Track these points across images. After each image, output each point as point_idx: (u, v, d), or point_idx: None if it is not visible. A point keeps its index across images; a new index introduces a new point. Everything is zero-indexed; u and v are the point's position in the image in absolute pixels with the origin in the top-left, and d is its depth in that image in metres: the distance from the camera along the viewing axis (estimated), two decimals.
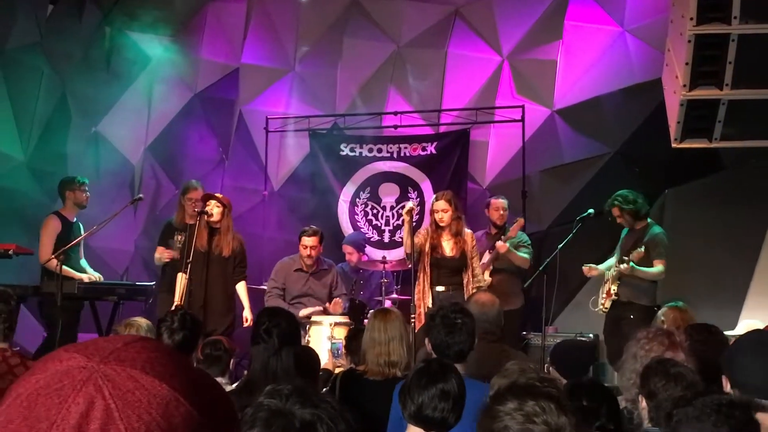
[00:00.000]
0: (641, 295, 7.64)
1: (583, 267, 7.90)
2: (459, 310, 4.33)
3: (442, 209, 7.39)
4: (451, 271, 7.44)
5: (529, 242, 8.50)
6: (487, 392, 4.01)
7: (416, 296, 7.42)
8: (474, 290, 7.21)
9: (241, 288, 7.74)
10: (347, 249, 9.07)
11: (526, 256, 8.27)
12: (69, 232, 7.81)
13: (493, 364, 4.58)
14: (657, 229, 7.72)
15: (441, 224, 7.38)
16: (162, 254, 8.00)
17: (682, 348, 3.62)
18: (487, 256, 8.25)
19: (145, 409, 0.81)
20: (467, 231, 7.58)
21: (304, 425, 1.60)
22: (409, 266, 7.48)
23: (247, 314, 7.66)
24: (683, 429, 2.26)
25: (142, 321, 4.87)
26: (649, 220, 7.81)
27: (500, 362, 4.68)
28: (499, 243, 8.13)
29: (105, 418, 0.79)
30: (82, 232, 7.96)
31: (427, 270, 7.40)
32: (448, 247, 7.45)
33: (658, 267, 7.52)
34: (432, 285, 7.37)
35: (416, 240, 7.39)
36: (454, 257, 7.41)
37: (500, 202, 8.60)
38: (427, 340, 4.31)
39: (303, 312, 7.74)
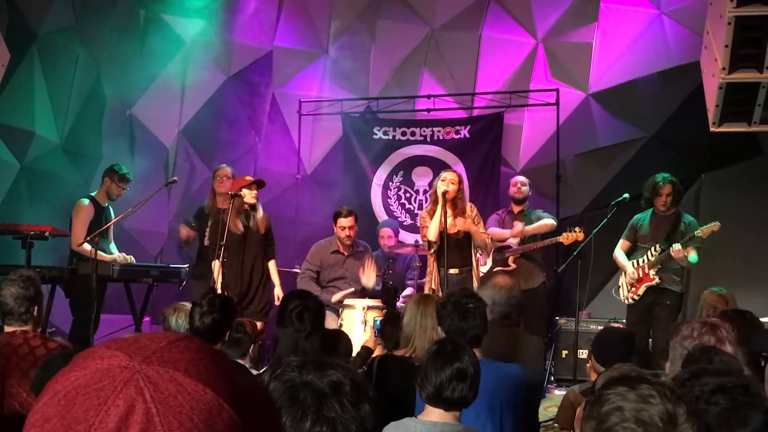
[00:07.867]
0: (677, 282, 7.58)
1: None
2: (469, 295, 4.32)
3: (450, 179, 7.16)
4: (459, 251, 7.28)
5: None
6: (503, 371, 3.99)
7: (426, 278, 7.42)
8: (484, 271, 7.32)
9: (272, 266, 7.78)
10: (386, 232, 8.98)
11: (549, 220, 8.53)
12: (101, 217, 7.83)
13: (505, 348, 4.57)
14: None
15: (446, 195, 7.05)
16: (181, 231, 8.17)
17: (729, 341, 3.54)
18: (511, 240, 8.50)
19: (187, 415, 0.78)
20: (468, 203, 7.50)
21: (332, 386, 1.58)
22: (431, 252, 7.37)
23: (278, 292, 7.67)
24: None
25: (189, 306, 4.86)
26: None
27: (512, 346, 4.68)
28: (517, 225, 8.49)
29: (145, 423, 0.76)
30: (113, 216, 7.96)
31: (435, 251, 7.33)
32: (449, 224, 7.26)
33: (696, 255, 7.45)
34: (441, 267, 7.14)
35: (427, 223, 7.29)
36: (457, 235, 7.26)
37: (518, 178, 8.87)
38: (440, 328, 4.29)
39: (335, 297, 7.73)
